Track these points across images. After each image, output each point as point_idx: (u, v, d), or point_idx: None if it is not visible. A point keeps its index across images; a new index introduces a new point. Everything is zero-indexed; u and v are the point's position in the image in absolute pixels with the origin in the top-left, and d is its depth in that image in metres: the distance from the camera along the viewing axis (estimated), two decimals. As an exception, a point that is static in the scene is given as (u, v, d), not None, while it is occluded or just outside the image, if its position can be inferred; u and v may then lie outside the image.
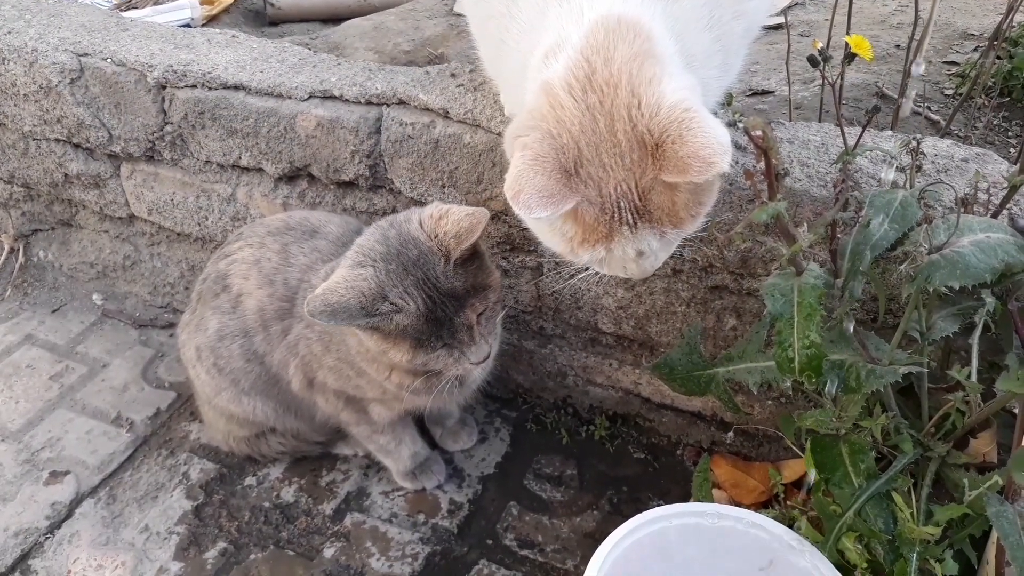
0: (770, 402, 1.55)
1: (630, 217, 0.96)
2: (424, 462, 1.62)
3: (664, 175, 0.93)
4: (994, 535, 1.12)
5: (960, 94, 2.15)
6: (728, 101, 1.11)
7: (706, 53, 1.15)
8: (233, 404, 1.55)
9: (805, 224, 0.96)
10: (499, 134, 1.48)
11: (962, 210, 1.12)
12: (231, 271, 1.50)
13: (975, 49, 2.43)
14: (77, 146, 1.95)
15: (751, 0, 1.17)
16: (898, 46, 2.47)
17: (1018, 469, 1.01)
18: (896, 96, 1.95)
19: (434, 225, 1.29)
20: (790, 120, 1.59)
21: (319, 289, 1.23)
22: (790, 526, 1.24)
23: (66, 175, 1.99)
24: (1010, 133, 2.09)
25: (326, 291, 1.22)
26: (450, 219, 1.28)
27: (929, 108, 2.14)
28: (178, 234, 1.99)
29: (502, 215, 1.58)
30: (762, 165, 0.89)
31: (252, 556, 1.51)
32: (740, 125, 0.85)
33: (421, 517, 1.57)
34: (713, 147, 0.88)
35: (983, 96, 2.05)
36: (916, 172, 1.14)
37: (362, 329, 1.27)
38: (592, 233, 0.98)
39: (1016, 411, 1.12)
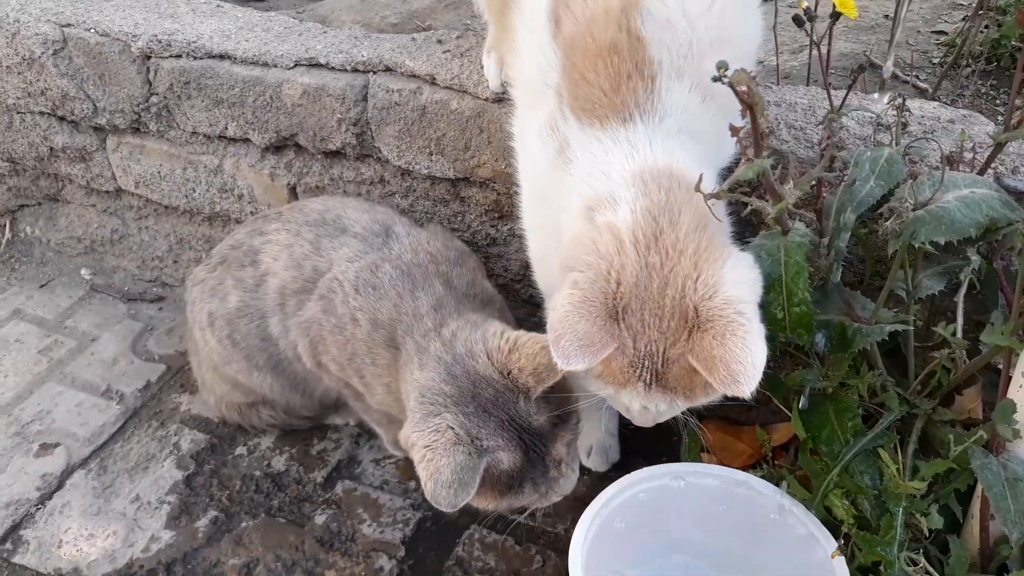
0: (758, 366, 1.55)
1: (648, 376, 0.95)
2: None
3: (691, 357, 0.92)
4: (979, 489, 1.13)
5: (947, 62, 2.15)
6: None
7: None
8: (243, 376, 1.54)
9: (791, 182, 0.96)
10: (486, 100, 1.48)
11: (947, 167, 1.13)
12: (264, 249, 1.49)
13: (963, 18, 2.43)
14: (62, 119, 1.93)
15: None
16: (887, 16, 2.46)
17: (1002, 421, 1.02)
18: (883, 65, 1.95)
19: (505, 360, 1.18)
20: (778, 86, 1.59)
21: (426, 483, 1.11)
22: (778, 485, 1.25)
23: (51, 149, 1.98)
24: (998, 101, 2.09)
25: (433, 473, 1.10)
26: (522, 353, 1.17)
27: (917, 76, 2.14)
28: (166, 207, 1.98)
29: (490, 182, 1.58)
30: (748, 120, 0.89)
31: (243, 524, 1.52)
32: (725, 80, 0.84)
33: (412, 484, 1.57)
34: (746, 368, 0.87)
35: (970, 59, 2.04)
36: (902, 130, 1.14)
37: None
38: (612, 376, 0.98)
39: (1000, 367, 1.13)
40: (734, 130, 0.89)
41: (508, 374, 1.17)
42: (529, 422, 1.17)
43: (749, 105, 0.86)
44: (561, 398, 1.18)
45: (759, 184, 0.98)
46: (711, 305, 0.90)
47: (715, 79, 0.86)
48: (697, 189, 0.89)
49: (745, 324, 0.88)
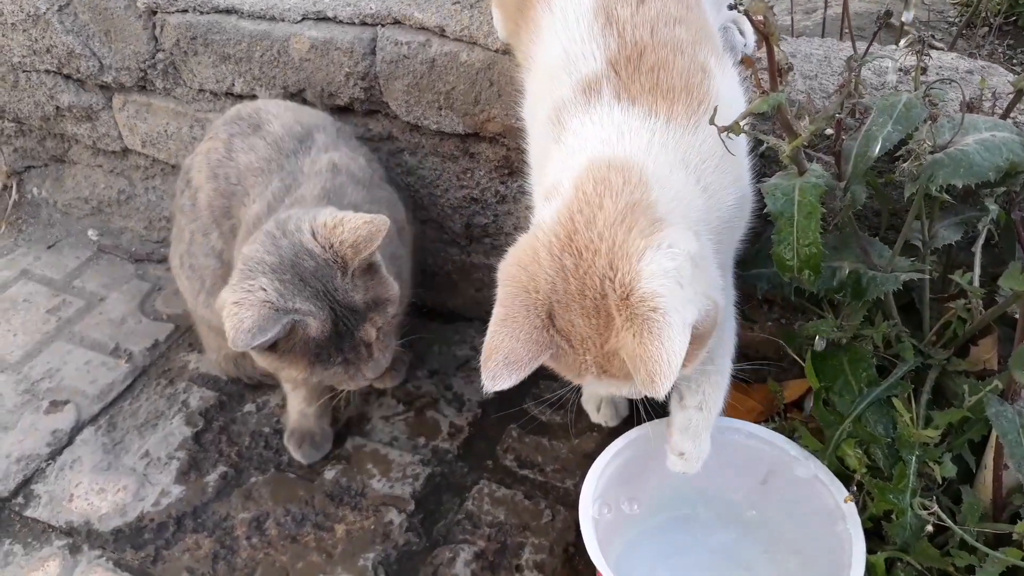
0: (770, 323, 1.54)
1: (595, 369, 0.95)
2: (308, 432, 1.54)
3: (623, 353, 0.91)
4: (993, 439, 1.12)
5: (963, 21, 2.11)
6: None
7: None
8: (207, 310, 1.53)
9: (807, 118, 0.94)
10: (496, 51, 1.46)
11: (967, 113, 1.11)
12: (193, 164, 1.51)
13: (981, -22, 2.38)
14: (68, 77, 1.92)
15: None
16: (902, -24, 2.42)
17: (1018, 367, 1.01)
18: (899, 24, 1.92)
19: (328, 234, 1.23)
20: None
21: (229, 332, 1.17)
22: (790, 437, 1.24)
23: (57, 108, 1.97)
24: (1015, 61, 2.06)
25: (236, 323, 1.16)
26: (346, 227, 1.23)
27: (933, 36, 2.10)
28: (172, 166, 1.97)
29: (500, 138, 1.56)
30: (764, 52, 0.87)
31: (253, 479, 1.52)
32: (741, 8, 0.83)
33: (421, 440, 1.57)
34: (661, 367, 0.85)
35: (989, 15, 2.01)
36: (921, 74, 1.11)
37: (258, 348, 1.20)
38: (566, 370, 0.99)
39: (1017, 316, 1.12)
40: (748, 61, 0.87)
41: (331, 247, 1.23)
42: (344, 297, 1.23)
43: (765, 35, 0.84)
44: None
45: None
46: (628, 304, 0.88)
47: (731, 7, 0.84)
48: (711, 122, 0.87)
49: (660, 320, 0.86)
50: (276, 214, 1.33)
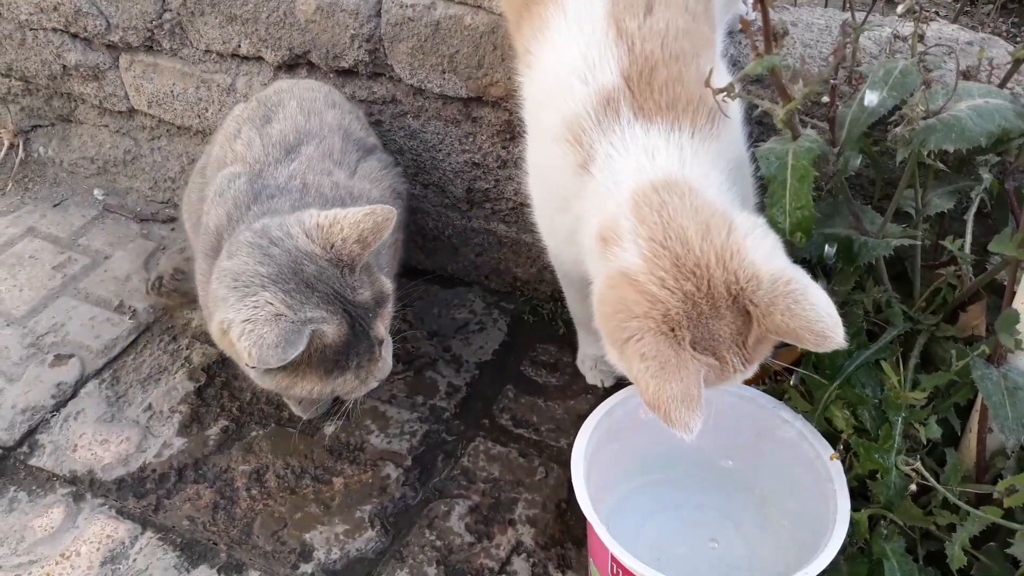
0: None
1: (740, 366, 0.98)
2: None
3: (773, 335, 0.95)
4: (978, 403, 1.15)
5: (968, -2, 2.11)
6: None
7: None
8: (192, 238, 1.52)
9: (801, 81, 0.95)
10: (500, 15, 1.47)
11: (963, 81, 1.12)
12: (230, 116, 1.51)
13: (987, -45, 2.38)
14: (75, 36, 1.92)
15: None
16: (909, -48, 2.41)
17: (1004, 330, 1.03)
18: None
19: (326, 235, 1.16)
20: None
21: (250, 352, 1.07)
22: (780, 399, 1.26)
23: (64, 67, 1.98)
24: (1018, 39, 2.06)
25: (256, 340, 1.07)
26: (345, 223, 1.16)
27: (937, 13, 2.11)
28: (178, 127, 1.98)
29: (502, 102, 1.57)
30: (759, 13, 0.88)
31: (253, 433, 1.55)
32: (739, -31, 0.84)
33: (420, 398, 1.60)
34: (826, 322, 0.90)
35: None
36: (918, 41, 1.13)
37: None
38: (714, 382, 0.99)
39: (1005, 284, 1.14)
40: (744, 24, 0.88)
41: (331, 247, 1.15)
42: (355, 296, 1.16)
43: (762, -2, 0.85)
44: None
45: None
46: (763, 292, 0.92)
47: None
48: (707, 84, 0.88)
49: (798, 287, 0.91)
50: (243, 223, 1.26)
